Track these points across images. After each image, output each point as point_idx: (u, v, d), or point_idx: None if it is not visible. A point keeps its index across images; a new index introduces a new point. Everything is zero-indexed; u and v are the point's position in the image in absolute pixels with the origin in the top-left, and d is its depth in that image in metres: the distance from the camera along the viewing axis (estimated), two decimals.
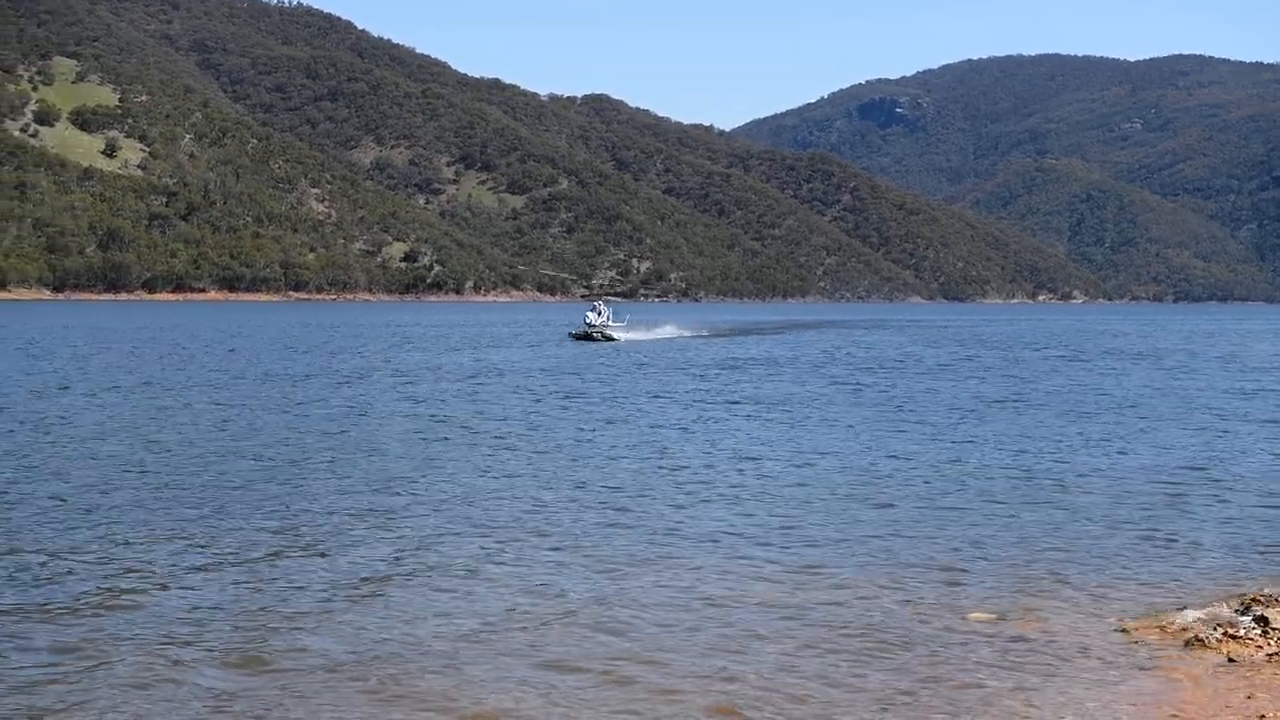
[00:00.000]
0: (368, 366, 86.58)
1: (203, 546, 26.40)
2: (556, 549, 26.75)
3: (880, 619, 21.54)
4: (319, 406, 57.38)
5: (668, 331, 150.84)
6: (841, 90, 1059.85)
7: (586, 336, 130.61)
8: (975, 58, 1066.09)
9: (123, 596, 22.25)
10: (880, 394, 67.39)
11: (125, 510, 30.22)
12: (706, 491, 34.34)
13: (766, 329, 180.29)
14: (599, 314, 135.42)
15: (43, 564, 24.62)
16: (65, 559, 25.00)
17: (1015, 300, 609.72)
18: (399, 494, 33.43)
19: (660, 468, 38.78)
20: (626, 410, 57.07)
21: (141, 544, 26.46)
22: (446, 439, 45.14)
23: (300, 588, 23.22)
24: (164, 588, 22.96)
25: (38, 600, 21.98)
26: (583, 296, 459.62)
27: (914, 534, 28.69)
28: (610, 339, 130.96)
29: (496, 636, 20.41)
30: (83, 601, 21.93)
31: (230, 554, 25.77)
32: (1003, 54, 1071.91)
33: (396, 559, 25.58)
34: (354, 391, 66.02)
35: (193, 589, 22.96)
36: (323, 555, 25.81)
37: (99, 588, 22.83)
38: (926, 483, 36.25)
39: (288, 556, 25.68)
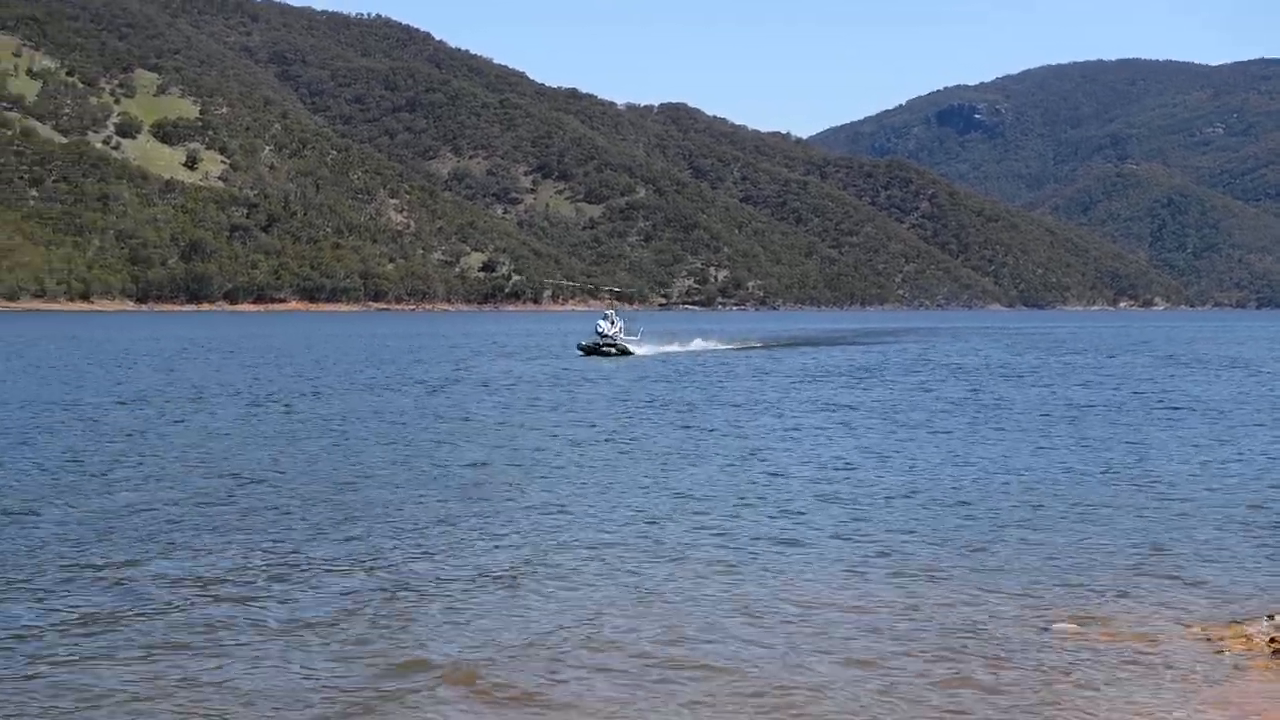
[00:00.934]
0: (455, 376, 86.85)
1: (333, 550, 26.93)
2: (657, 554, 26.87)
3: (962, 626, 21.34)
4: (417, 415, 57.69)
5: (696, 345, 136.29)
6: (920, 97, 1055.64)
7: (596, 350, 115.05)
8: (1055, 63, 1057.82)
9: (258, 598, 22.78)
10: (969, 401, 66.82)
11: (259, 515, 30.95)
12: (791, 497, 34.13)
13: (819, 339, 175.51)
14: (611, 323, 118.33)
15: (197, 562, 25.47)
16: (212, 558, 25.87)
17: (1096, 307, 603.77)
18: (507, 500, 33.66)
19: (751, 476, 38.56)
20: (710, 419, 56.88)
21: (276, 547, 27.09)
22: (541, 449, 45.02)
23: (420, 591, 23.53)
24: (308, 587, 23.54)
25: (167, 600, 22.53)
26: (660, 305, 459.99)
27: (999, 540, 28.42)
28: (625, 352, 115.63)
29: (599, 638, 20.63)
30: (225, 598, 22.59)
31: (362, 557, 26.34)
32: (1083, 59, 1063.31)
33: (506, 564, 25.80)
34: (447, 400, 66.33)
35: (325, 590, 23.48)
36: (432, 558, 26.20)
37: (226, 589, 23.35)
38: (1012, 489, 35.91)
39: (409, 561, 26.06)
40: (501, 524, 29.98)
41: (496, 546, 27.39)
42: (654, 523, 30.40)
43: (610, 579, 24.65)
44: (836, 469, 39.97)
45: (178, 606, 22.03)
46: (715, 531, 29.38)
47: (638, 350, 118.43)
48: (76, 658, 19.23)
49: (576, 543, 27.99)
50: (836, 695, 18.00)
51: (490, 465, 40.51)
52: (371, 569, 25.30)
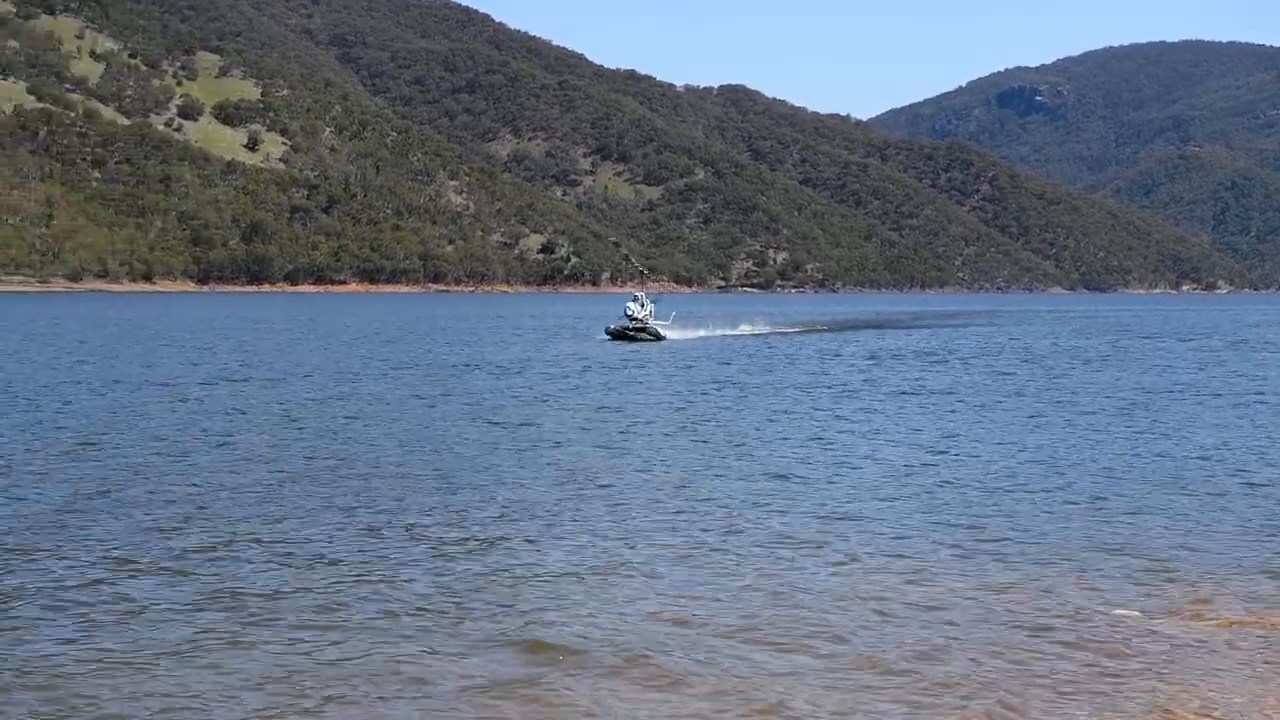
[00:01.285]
0: (525, 357, 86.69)
1: (438, 533, 26.82)
2: (760, 538, 26.59)
3: (1026, 613, 21.10)
4: (490, 396, 57.58)
5: (744, 329, 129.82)
6: (980, 79, 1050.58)
7: (624, 335, 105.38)
8: (1117, 44, 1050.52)
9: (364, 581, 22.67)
10: (1045, 386, 66.14)
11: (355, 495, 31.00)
12: (859, 482, 33.69)
13: (879, 322, 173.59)
14: (642, 305, 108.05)
15: (310, 543, 25.51)
16: (322, 541, 25.80)
17: (1158, 290, 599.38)
18: (606, 484, 33.39)
19: (832, 460, 38.17)
20: (785, 400, 56.46)
21: (386, 527, 27.12)
22: (623, 431, 44.70)
23: (536, 572, 23.49)
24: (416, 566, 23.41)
25: (294, 582, 22.54)
26: (718, 288, 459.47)
27: (1065, 527, 28.01)
28: (658, 337, 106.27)
29: (722, 621, 20.52)
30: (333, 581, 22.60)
31: (476, 536, 26.42)
32: (1145, 40, 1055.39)
33: (616, 548, 25.67)
34: (521, 381, 66.33)
35: (426, 574, 23.32)
36: (531, 543, 25.97)
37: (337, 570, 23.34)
38: (1079, 476, 35.29)
39: (524, 542, 26.01)
40: (606, 508, 29.73)
41: (606, 531, 27.22)
42: (756, 507, 30.05)
43: (717, 560, 24.62)
44: (917, 455, 39.45)
45: (299, 588, 21.95)
46: (806, 513, 29.21)
47: (669, 335, 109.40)
48: (208, 637, 19.23)
49: (684, 525, 27.85)
50: (892, 680, 17.79)
51: (580, 448, 40.27)
52: (486, 549, 25.31)
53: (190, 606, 20.70)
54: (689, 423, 47.70)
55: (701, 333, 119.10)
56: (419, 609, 20.83)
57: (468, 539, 26.07)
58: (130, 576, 22.48)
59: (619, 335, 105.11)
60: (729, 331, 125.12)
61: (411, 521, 27.68)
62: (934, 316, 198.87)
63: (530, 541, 25.92)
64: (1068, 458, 38.93)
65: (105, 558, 23.82)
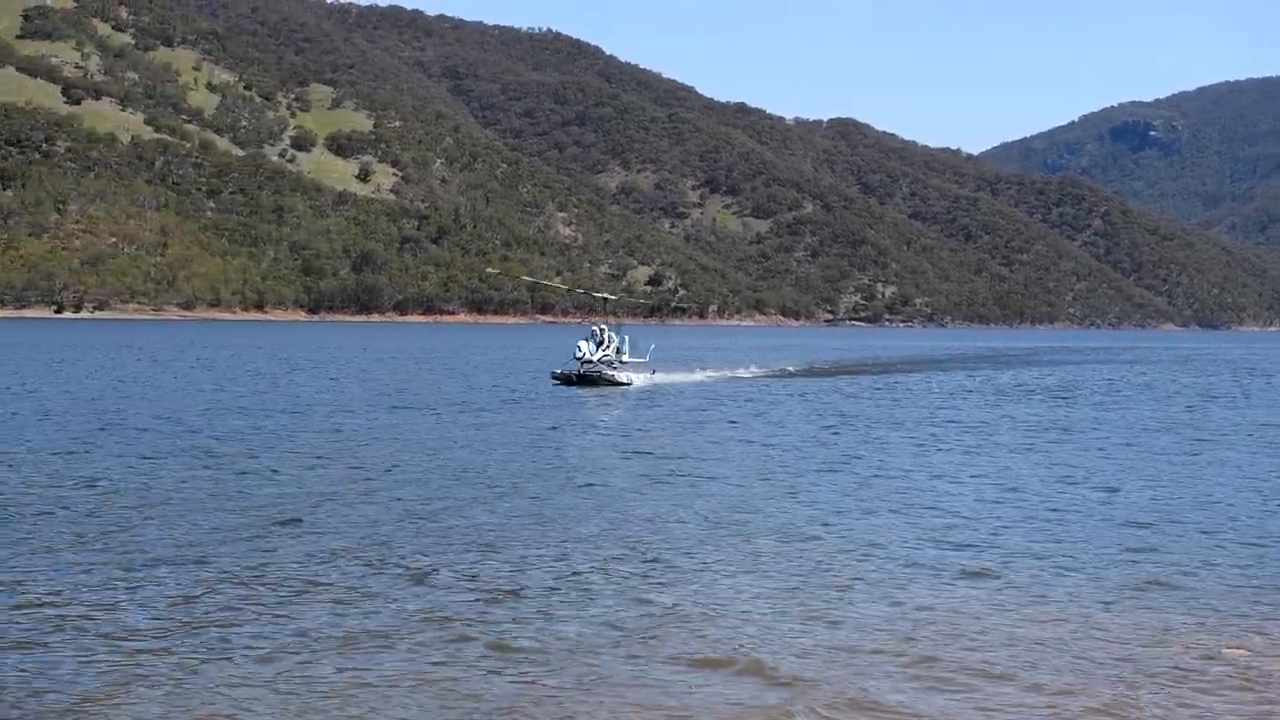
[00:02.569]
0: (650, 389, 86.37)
1: (557, 553, 27.36)
2: (911, 565, 26.53)
3: (1134, 651, 20.83)
4: (632, 423, 57.38)
5: (750, 370, 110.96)
6: (1093, 113, 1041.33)
7: (579, 379, 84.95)
8: (1232, 79, 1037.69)
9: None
10: (1176, 423, 65.08)
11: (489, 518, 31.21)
12: (962, 516, 33.19)
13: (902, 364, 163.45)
14: (601, 344, 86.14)
15: (483, 571, 25.75)
16: (494, 564, 26.26)
17: (1273, 328, 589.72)
18: (760, 514, 33.44)
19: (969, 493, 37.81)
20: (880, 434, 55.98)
21: (548, 552, 27.38)
22: (762, 466, 44.29)
23: (705, 595, 23.95)
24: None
25: (442, 600, 23.11)
26: (826, 321, 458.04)
27: (1177, 565, 27.40)
28: (615, 383, 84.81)
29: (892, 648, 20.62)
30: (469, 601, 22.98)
31: (642, 562, 26.81)
32: (1260, 75, 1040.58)
33: (782, 574, 25.97)
34: (663, 412, 66.40)
35: (620, 597, 23.80)
36: (728, 574, 26.08)
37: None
38: (1199, 515, 34.47)
39: (692, 567, 26.45)
40: (764, 537, 29.89)
41: (771, 557, 27.57)
42: (904, 540, 30.03)
43: (879, 587, 25.12)
44: (1063, 490, 38.90)
45: (467, 619, 22.11)
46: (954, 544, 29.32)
47: (635, 379, 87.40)
48: (419, 655, 19.87)
49: (849, 552, 28.27)
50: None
51: (729, 479, 40.35)
52: (653, 572, 25.89)
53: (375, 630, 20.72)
54: (837, 460, 47.03)
55: (698, 376, 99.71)
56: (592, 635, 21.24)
57: (665, 568, 26.43)
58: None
59: (568, 380, 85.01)
60: (736, 373, 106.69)
61: (573, 549, 28.02)
62: (1047, 352, 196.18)
63: (727, 573, 26.03)
64: (1216, 495, 38.43)
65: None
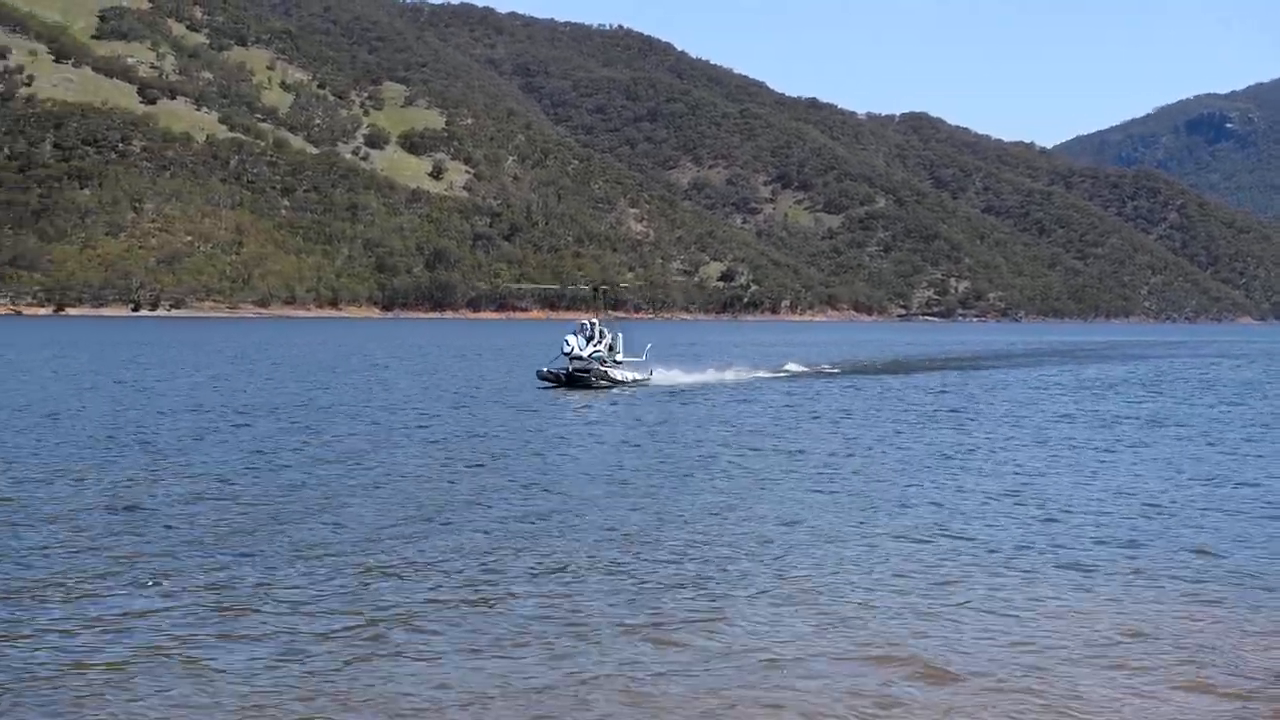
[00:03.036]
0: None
1: (590, 549, 26.05)
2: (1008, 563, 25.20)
3: (1210, 647, 20.09)
4: (709, 421, 56.32)
5: (792, 367, 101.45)
6: (1168, 105, 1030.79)
7: (568, 380, 75.55)
8: None
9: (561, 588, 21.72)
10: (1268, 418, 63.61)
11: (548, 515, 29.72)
12: (1047, 513, 32.12)
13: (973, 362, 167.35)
14: (591, 339, 76.95)
15: (561, 576, 24.49)
16: (509, 563, 25.04)
17: None
18: (855, 509, 32.37)
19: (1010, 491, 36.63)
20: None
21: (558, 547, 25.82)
22: (832, 464, 43.37)
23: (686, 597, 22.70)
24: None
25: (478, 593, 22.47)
26: (899, 316, 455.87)
27: (1257, 564, 26.21)
28: (612, 382, 76.01)
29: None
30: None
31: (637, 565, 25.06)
32: None
33: (895, 568, 25.03)
34: (749, 409, 64.82)
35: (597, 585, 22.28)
36: (863, 568, 25.20)
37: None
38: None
39: (812, 564, 25.63)
40: (867, 534, 28.82)
41: (889, 554, 26.69)
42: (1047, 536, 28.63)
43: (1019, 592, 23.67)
44: (1167, 486, 37.77)
45: (544, 639, 20.55)
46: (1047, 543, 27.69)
47: (630, 376, 78.45)
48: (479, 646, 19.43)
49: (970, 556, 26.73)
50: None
51: (808, 475, 38.94)
52: (810, 572, 24.99)
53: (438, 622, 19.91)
54: (943, 453, 45.99)
55: (712, 375, 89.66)
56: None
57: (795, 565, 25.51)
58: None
59: (557, 379, 76.26)
60: (756, 373, 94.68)
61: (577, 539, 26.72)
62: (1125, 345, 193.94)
63: (862, 567, 25.39)
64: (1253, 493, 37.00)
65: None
